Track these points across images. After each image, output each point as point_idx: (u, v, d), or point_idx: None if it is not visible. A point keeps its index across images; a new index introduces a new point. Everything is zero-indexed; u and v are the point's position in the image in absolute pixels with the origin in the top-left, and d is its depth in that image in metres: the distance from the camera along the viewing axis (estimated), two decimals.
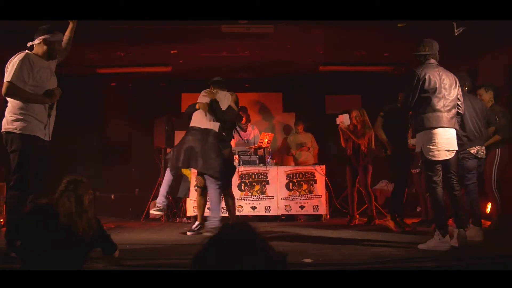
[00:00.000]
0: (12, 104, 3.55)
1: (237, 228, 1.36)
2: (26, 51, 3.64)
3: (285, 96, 8.70)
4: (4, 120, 3.56)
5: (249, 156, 6.74)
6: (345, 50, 6.84)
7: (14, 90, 3.46)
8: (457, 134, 3.96)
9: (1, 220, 5.72)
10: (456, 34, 5.03)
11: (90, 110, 8.07)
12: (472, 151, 4.41)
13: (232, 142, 7.04)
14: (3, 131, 3.55)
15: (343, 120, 6.12)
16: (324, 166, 6.80)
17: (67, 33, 3.88)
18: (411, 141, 5.34)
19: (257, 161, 6.70)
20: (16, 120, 3.50)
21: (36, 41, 3.67)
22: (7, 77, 3.46)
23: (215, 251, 1.31)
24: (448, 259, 3.35)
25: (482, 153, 4.45)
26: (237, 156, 6.67)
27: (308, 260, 3.26)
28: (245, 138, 7.13)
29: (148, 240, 4.78)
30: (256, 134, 7.24)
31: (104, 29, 5.38)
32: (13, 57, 3.56)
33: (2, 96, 3.58)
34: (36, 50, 3.68)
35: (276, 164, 7.01)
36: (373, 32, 5.81)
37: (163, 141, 7.16)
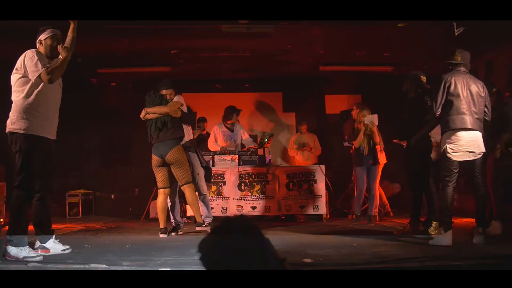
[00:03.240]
0: (16, 104, 3.56)
1: (236, 219, 1.43)
2: (30, 49, 3.68)
3: (285, 96, 8.70)
4: (8, 121, 3.57)
5: (249, 156, 6.74)
6: (345, 50, 6.84)
7: (53, 73, 3.55)
8: None
9: (1, 220, 5.73)
10: (456, 34, 5.04)
11: (90, 110, 8.07)
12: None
13: (221, 143, 6.96)
14: (8, 132, 3.56)
15: (372, 120, 6.11)
16: (324, 166, 6.79)
17: (69, 33, 3.89)
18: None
19: (257, 161, 6.70)
20: (21, 120, 3.50)
21: (37, 42, 3.74)
22: (37, 69, 3.50)
23: (217, 238, 1.37)
24: (448, 259, 3.35)
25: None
26: (237, 156, 6.67)
27: (308, 260, 3.26)
28: (232, 139, 7.04)
29: (148, 240, 4.78)
30: (246, 136, 7.10)
31: (104, 29, 5.38)
32: (24, 57, 3.57)
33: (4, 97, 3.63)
34: (39, 49, 3.73)
35: (276, 164, 7.02)
36: (373, 32, 5.81)
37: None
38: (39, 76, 3.52)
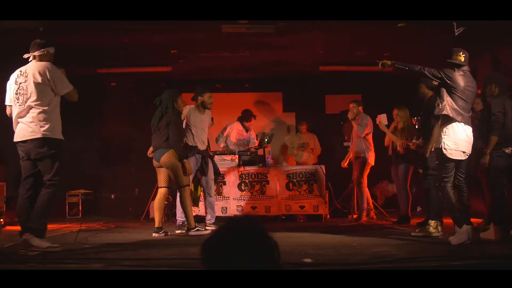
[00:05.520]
0: (46, 112, 3.81)
1: (243, 219, 1.43)
2: (44, 62, 3.91)
3: (285, 96, 8.70)
4: (35, 127, 3.79)
5: (249, 156, 6.74)
6: (345, 50, 6.83)
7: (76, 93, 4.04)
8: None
9: (1, 220, 5.73)
10: (456, 34, 5.04)
11: (90, 110, 8.06)
12: (506, 151, 4.46)
13: (233, 138, 7.08)
14: (40, 137, 3.79)
15: (381, 120, 6.09)
16: (324, 166, 6.79)
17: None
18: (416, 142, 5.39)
19: (257, 161, 6.70)
20: (51, 125, 3.83)
21: (49, 50, 3.96)
22: (67, 85, 3.92)
23: (223, 237, 1.36)
24: (448, 259, 3.35)
25: (508, 150, 4.46)
26: (237, 156, 6.67)
27: (308, 260, 3.25)
28: (244, 139, 7.19)
29: (148, 240, 4.78)
30: (253, 135, 7.28)
31: (104, 29, 5.38)
32: (48, 71, 3.82)
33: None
34: (48, 58, 3.95)
35: (276, 164, 7.02)
36: (373, 32, 5.81)
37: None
38: (69, 92, 3.93)
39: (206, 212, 5.60)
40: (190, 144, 5.43)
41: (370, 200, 6.58)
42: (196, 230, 4.91)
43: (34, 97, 3.79)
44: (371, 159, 6.38)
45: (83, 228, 5.59)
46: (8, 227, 5.76)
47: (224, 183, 6.51)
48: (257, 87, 8.61)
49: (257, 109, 8.60)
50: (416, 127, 5.63)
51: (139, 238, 4.89)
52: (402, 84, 7.35)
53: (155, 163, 5.06)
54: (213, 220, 5.49)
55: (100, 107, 8.24)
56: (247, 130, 7.21)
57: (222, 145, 7.19)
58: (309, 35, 6.04)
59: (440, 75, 4.08)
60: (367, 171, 6.39)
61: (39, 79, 3.79)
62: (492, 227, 4.33)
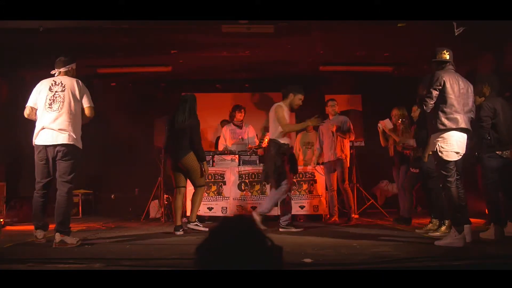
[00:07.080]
0: (77, 124, 4.19)
1: (238, 219, 1.42)
2: (75, 78, 4.29)
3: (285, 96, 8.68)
4: (68, 135, 4.10)
5: (249, 156, 6.73)
6: (345, 50, 6.84)
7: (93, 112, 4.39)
8: (488, 136, 4.36)
9: (1, 220, 5.74)
10: (456, 34, 5.04)
11: None
12: (497, 152, 4.45)
13: (229, 142, 7.05)
14: (69, 143, 4.10)
15: (386, 124, 6.10)
16: (324, 166, 6.78)
17: None
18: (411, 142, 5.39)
19: (257, 161, 6.69)
20: (80, 138, 4.25)
21: (72, 66, 4.33)
22: (91, 102, 4.31)
23: (217, 240, 1.36)
24: (448, 259, 3.35)
25: (506, 153, 4.45)
26: (237, 156, 6.67)
27: (308, 260, 3.26)
28: (240, 137, 7.12)
29: (148, 240, 4.78)
30: (252, 134, 7.21)
31: (104, 29, 5.38)
32: (81, 86, 4.25)
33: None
34: (72, 73, 4.31)
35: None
36: (373, 32, 5.82)
37: (163, 141, 7.14)
38: (89, 108, 4.28)
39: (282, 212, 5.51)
40: (282, 142, 5.35)
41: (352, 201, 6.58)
42: (195, 224, 5.20)
43: (71, 106, 4.12)
44: (348, 161, 6.49)
45: (83, 228, 5.60)
46: (8, 227, 5.76)
47: (224, 183, 6.51)
48: (257, 87, 8.60)
49: (257, 109, 8.61)
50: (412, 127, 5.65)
51: (139, 238, 4.89)
52: (402, 84, 7.37)
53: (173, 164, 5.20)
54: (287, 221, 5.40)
55: (100, 107, 8.22)
56: (240, 127, 7.07)
57: (222, 147, 7.16)
58: (309, 35, 6.04)
59: (436, 92, 3.95)
60: (347, 173, 6.41)
61: (77, 92, 4.18)
62: (492, 227, 4.34)
